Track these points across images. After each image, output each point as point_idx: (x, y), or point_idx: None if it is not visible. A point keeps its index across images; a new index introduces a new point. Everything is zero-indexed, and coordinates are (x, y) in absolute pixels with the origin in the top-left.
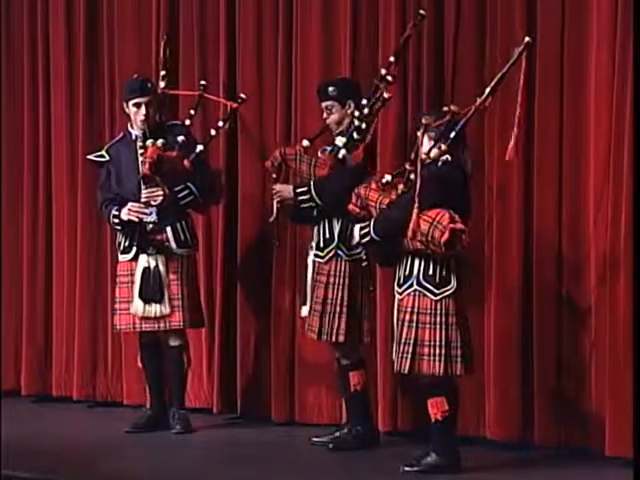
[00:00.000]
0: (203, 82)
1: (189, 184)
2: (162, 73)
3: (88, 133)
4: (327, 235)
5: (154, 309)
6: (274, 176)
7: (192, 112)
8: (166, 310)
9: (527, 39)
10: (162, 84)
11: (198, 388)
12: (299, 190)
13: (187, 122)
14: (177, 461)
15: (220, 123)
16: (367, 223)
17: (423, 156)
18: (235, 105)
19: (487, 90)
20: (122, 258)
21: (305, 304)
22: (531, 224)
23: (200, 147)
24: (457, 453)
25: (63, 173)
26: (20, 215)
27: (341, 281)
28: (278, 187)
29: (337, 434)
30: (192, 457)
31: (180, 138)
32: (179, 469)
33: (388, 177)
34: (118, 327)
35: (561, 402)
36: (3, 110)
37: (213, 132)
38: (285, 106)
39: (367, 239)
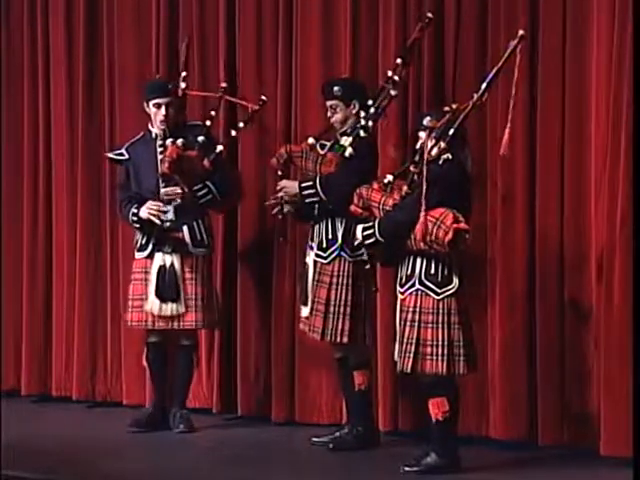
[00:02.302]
0: (224, 84)
1: (208, 183)
2: (183, 75)
3: (88, 133)
4: (330, 235)
5: (170, 308)
6: (279, 173)
7: (213, 113)
8: (182, 309)
9: (521, 32)
10: (183, 85)
11: (198, 388)
12: (304, 185)
13: (207, 123)
14: (177, 461)
15: (241, 124)
16: (370, 224)
17: (427, 157)
18: (256, 107)
19: (483, 86)
20: (138, 255)
21: (306, 304)
22: (535, 226)
23: (220, 147)
24: (457, 453)
25: (63, 173)
26: (20, 215)
27: (344, 281)
28: (283, 183)
29: (337, 434)
30: (192, 457)
31: (200, 138)
32: (179, 469)
33: (390, 177)
34: (130, 324)
35: (565, 402)
36: (3, 110)
37: (233, 133)
38: (285, 106)
39: (372, 240)
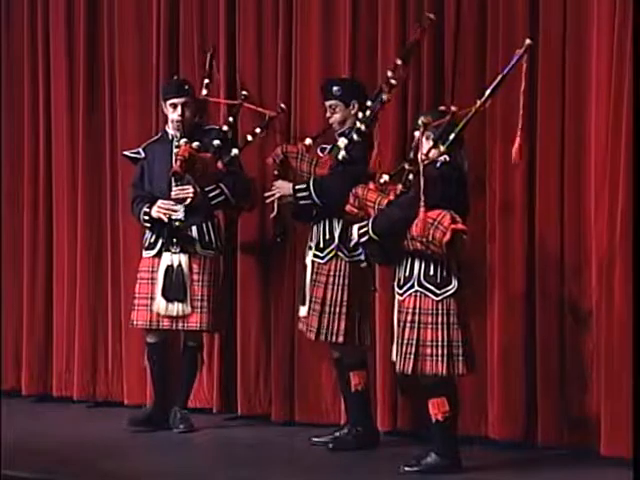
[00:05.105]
0: (244, 92)
1: (221, 185)
2: (206, 82)
3: (88, 133)
4: (327, 236)
5: (176, 308)
6: (275, 173)
7: (231, 119)
8: (187, 310)
9: (528, 41)
10: (204, 92)
11: (198, 388)
12: (298, 187)
13: (225, 128)
14: (177, 461)
15: (257, 130)
16: (365, 222)
17: (422, 157)
18: (274, 114)
19: (487, 92)
20: (145, 254)
21: (304, 304)
22: (534, 229)
23: (235, 151)
24: (457, 453)
25: (63, 173)
26: (20, 215)
27: (341, 281)
28: (278, 184)
29: (337, 434)
30: (192, 457)
31: (216, 142)
32: (179, 469)
33: (386, 177)
34: (135, 323)
35: (563, 403)
36: (3, 110)
37: (250, 138)
38: (285, 106)
39: (366, 238)
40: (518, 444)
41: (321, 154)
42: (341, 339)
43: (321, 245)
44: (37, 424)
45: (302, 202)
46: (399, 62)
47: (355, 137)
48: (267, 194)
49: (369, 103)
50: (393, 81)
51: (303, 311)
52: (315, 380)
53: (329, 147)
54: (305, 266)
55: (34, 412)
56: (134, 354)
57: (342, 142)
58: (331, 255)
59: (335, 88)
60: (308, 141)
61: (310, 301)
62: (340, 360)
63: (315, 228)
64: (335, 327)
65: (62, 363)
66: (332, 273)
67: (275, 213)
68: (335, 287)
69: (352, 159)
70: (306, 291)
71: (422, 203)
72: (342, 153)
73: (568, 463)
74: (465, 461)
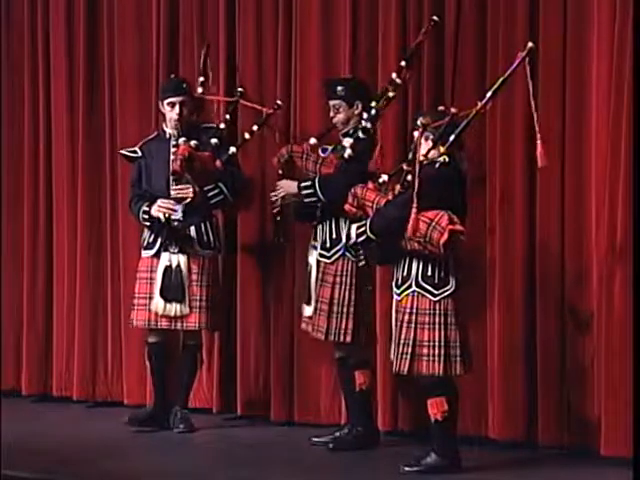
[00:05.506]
0: (240, 89)
1: (220, 184)
2: (201, 79)
3: (88, 133)
4: (334, 235)
5: (174, 308)
6: (280, 172)
7: (227, 117)
8: (185, 310)
9: (530, 44)
10: (200, 89)
11: (198, 388)
12: (303, 185)
13: (222, 126)
14: (177, 461)
15: (254, 127)
16: (364, 222)
17: (421, 157)
18: (270, 111)
19: (488, 94)
20: (144, 254)
21: (308, 304)
22: (534, 228)
23: (232, 149)
24: (457, 453)
25: (63, 173)
26: (20, 215)
27: (348, 281)
28: (282, 183)
29: (337, 434)
30: (192, 457)
31: (213, 140)
32: (179, 469)
33: (385, 177)
34: (135, 322)
35: (563, 403)
36: (3, 110)
37: (247, 136)
38: (285, 106)
39: (363, 237)
40: (518, 444)
41: (322, 154)
42: (349, 338)
43: (327, 245)
44: (37, 424)
45: (307, 200)
46: (403, 64)
47: (361, 135)
48: (272, 194)
49: (373, 104)
50: (398, 80)
51: (308, 311)
52: (315, 380)
53: (330, 148)
54: (307, 266)
55: (34, 412)
56: (134, 354)
57: (347, 142)
58: (338, 255)
59: (339, 88)
60: (313, 140)
61: (316, 301)
62: (343, 359)
63: (320, 228)
64: (343, 326)
65: (62, 363)
66: (339, 273)
67: (278, 211)
68: (342, 287)
69: (357, 157)
70: (311, 291)
71: (414, 204)
72: (348, 151)
73: (568, 463)
74: (465, 461)
